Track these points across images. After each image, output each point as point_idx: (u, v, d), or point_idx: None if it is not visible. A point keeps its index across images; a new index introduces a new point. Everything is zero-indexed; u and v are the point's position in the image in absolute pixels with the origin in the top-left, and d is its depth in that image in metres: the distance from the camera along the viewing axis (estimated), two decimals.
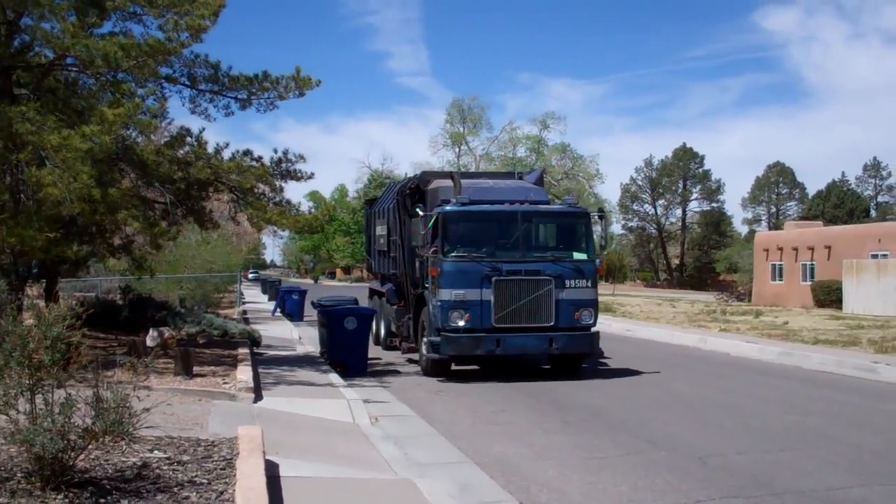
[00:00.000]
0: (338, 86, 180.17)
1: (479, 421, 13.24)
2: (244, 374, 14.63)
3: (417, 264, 19.11)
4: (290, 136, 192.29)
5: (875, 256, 42.31)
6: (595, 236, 18.49)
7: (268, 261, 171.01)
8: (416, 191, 20.09)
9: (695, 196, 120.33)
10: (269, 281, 63.33)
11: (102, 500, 6.43)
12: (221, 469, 7.56)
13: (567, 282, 17.40)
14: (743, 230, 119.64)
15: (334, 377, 16.67)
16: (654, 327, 30.78)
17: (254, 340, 21.28)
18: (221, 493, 6.84)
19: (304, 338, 26.52)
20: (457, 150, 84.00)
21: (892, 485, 9.33)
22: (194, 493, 6.78)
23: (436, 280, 17.25)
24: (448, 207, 17.64)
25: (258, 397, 13.38)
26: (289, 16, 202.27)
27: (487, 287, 17.00)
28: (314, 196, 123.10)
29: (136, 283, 29.59)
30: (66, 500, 6.38)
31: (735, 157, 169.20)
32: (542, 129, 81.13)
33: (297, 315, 36.50)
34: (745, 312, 38.03)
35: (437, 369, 17.72)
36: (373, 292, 25.49)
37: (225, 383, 13.85)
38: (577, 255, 17.86)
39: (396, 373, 18.75)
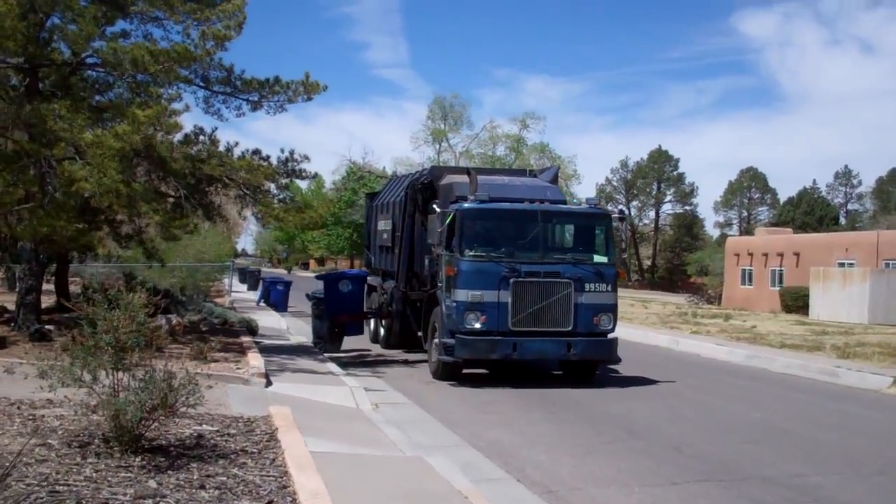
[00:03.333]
0: (315, 75, 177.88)
1: (471, 410, 14.35)
2: (256, 360, 15.74)
3: (427, 262, 19.05)
4: (265, 124, 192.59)
5: (842, 265, 43.77)
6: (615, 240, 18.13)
7: (239, 249, 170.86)
8: (428, 186, 19.86)
9: (668, 198, 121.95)
10: (247, 270, 63.91)
11: (177, 463, 7.58)
12: (266, 441, 8.75)
13: (587, 285, 16.83)
14: (714, 233, 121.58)
15: (333, 366, 17.80)
16: (628, 328, 31.82)
17: (251, 329, 22.32)
18: (273, 460, 8.03)
19: (292, 328, 27.62)
20: (437, 146, 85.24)
21: (843, 474, 10.56)
22: (250, 460, 7.96)
23: (452, 280, 16.66)
24: (466, 205, 17.01)
25: (268, 383, 14.47)
26: (268, 5, 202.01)
27: (505, 288, 16.40)
28: (291, 187, 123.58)
29: (134, 272, 30.50)
30: (144, 462, 7.53)
31: (709, 159, 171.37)
32: (522, 129, 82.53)
33: (281, 306, 37.38)
34: (715, 315, 39.32)
35: (449, 372, 17.08)
36: (371, 288, 24.36)
37: (238, 369, 14.94)
38: (598, 258, 17.44)
39: (388, 363, 19.82)
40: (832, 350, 24.09)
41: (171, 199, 18.22)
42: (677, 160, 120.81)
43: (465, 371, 17.62)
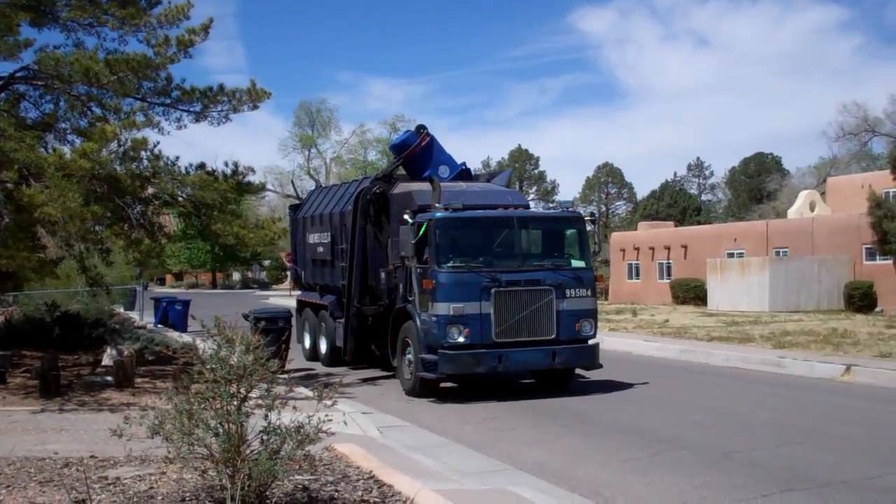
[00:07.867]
0: None
1: (478, 428, 13.59)
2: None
3: (383, 275, 18.41)
4: None
5: (731, 255, 44.75)
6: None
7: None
8: (380, 196, 19.05)
9: (532, 197, 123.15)
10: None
11: None
12: (379, 487, 7.78)
13: (567, 291, 16.40)
14: None
15: (304, 390, 16.69)
16: None
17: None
18: None
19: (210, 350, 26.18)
20: (307, 153, 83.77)
21: None
22: None
23: (429, 293, 15.99)
24: (439, 214, 16.38)
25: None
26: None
27: (486, 299, 15.83)
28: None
29: (25, 299, 28.55)
30: None
31: (563, 157, 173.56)
32: (393, 132, 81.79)
33: (180, 326, 35.50)
34: (621, 311, 39.52)
35: (428, 388, 16.55)
36: (303, 304, 23.79)
37: None
38: (575, 263, 17.13)
39: (347, 382, 18.83)
40: (763, 341, 24.34)
41: (107, 220, 16.90)
42: (537, 158, 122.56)
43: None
